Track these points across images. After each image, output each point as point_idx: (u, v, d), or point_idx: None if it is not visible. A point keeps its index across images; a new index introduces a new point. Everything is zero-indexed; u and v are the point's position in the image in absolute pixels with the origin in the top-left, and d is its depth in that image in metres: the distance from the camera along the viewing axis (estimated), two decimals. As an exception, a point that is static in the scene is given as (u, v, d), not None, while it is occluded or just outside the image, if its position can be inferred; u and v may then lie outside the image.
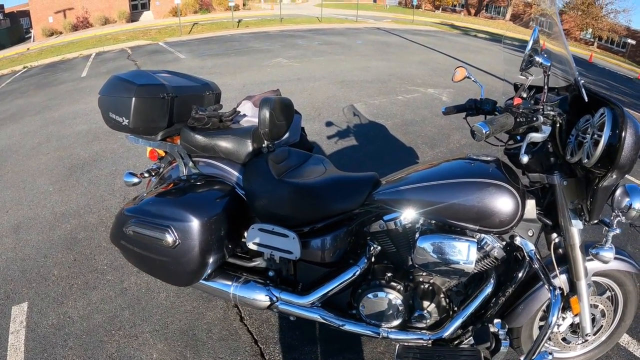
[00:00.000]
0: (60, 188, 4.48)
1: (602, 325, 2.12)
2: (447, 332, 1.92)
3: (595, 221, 1.72)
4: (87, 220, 3.75)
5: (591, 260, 1.82)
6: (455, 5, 43.71)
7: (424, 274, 1.96)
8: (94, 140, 5.86)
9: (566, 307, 1.92)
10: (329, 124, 6.14)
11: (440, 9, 42.22)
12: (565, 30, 37.66)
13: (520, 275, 1.85)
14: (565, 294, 1.89)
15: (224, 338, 2.43)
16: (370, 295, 1.95)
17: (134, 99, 2.03)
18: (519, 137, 1.81)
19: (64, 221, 3.78)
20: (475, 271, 1.87)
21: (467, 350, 1.92)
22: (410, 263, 1.94)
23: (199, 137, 2.15)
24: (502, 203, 1.67)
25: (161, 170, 2.45)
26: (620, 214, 1.64)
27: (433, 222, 1.85)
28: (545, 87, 1.70)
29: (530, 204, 1.80)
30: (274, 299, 2.05)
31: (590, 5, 36.12)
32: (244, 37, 16.73)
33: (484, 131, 1.55)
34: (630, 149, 1.46)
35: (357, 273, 1.96)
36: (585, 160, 1.55)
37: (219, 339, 2.43)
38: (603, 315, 2.09)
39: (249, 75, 9.42)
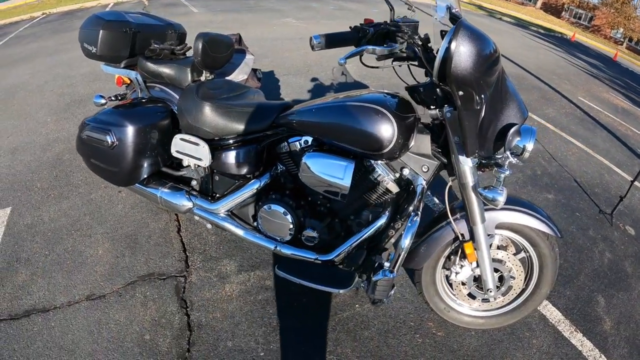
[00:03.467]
0: (57, 119, 4.83)
1: (511, 286, 2.08)
2: (334, 256, 2.02)
3: (474, 156, 1.67)
4: (74, 146, 4.09)
5: (492, 209, 1.83)
6: (487, -13, 42.12)
7: (321, 197, 2.07)
8: (95, 80, 6.16)
9: (464, 256, 1.94)
10: (314, 79, 6.37)
11: (472, -12, 40.85)
12: (596, 27, 36.31)
13: (410, 209, 1.85)
14: (462, 239, 1.91)
15: (159, 244, 2.78)
16: (266, 208, 2.13)
17: (101, 31, 2.41)
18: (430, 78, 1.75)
19: (54, 146, 4.15)
20: (371, 201, 1.96)
21: (343, 271, 2.05)
22: None
23: (149, 65, 2.49)
24: (378, 126, 1.71)
25: (127, 95, 2.80)
26: (510, 154, 1.60)
27: (325, 144, 1.96)
28: (389, 5, 1.87)
29: (423, 139, 1.82)
30: (191, 204, 2.37)
31: (625, 4, 34.73)
32: (263, -5, 16.67)
33: (315, 41, 1.70)
34: (462, 59, 1.44)
35: (259, 187, 2.18)
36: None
37: (155, 245, 2.77)
38: (513, 276, 2.05)
39: (252, 32, 9.55)
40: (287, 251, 2.16)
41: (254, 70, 3.13)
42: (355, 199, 2.00)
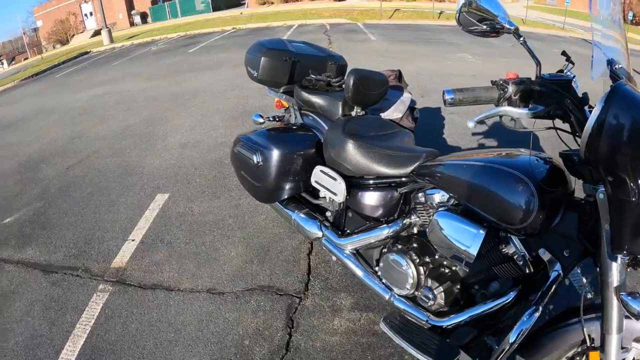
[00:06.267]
0: (228, 125, 5.56)
1: None
2: (446, 323, 1.88)
3: (622, 253, 1.35)
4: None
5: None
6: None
7: (446, 258, 1.95)
8: (267, 96, 6.75)
9: None
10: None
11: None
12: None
13: (538, 296, 1.64)
14: (590, 344, 1.57)
15: (287, 261, 2.97)
16: (389, 257, 2.04)
17: (262, 57, 2.68)
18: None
19: (220, 149, 4.77)
20: (500, 275, 1.78)
21: (448, 346, 1.84)
22: None
23: (304, 94, 2.69)
24: (516, 198, 1.52)
25: (284, 118, 3.09)
26: None
27: (461, 204, 1.82)
28: (534, 59, 1.60)
29: (571, 218, 1.58)
30: (321, 234, 2.45)
31: None
32: (439, 29, 16.82)
33: (447, 96, 1.56)
34: (613, 137, 1.20)
35: (387, 233, 2.12)
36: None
37: (283, 260, 2.98)
38: None
39: (426, 65, 9.60)
40: (399, 305, 2.09)
41: (411, 110, 3.14)
42: (482, 269, 1.84)
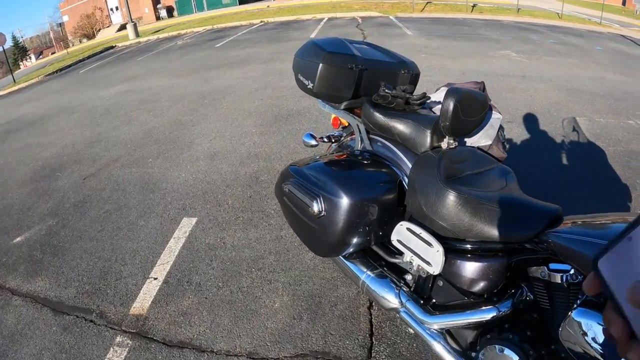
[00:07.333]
0: (262, 132, 5.00)
1: None
2: None
3: None
4: (274, 166, 4.10)
5: None
6: None
7: (568, 354, 1.56)
8: (305, 97, 6.23)
9: None
10: (540, 132, 5.55)
11: None
12: None
13: None
14: None
15: (344, 317, 2.42)
16: (496, 347, 1.64)
17: (320, 64, 2.08)
18: None
19: (254, 162, 4.21)
20: None
21: None
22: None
23: (378, 115, 2.08)
24: None
25: (342, 139, 2.50)
26: None
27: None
28: None
29: None
30: (398, 304, 1.90)
31: None
32: (476, 23, 16.02)
33: None
34: None
35: (495, 316, 1.67)
36: None
37: (339, 317, 2.42)
38: None
39: (471, 63, 9.00)
40: None
41: (499, 133, 2.46)
42: None
